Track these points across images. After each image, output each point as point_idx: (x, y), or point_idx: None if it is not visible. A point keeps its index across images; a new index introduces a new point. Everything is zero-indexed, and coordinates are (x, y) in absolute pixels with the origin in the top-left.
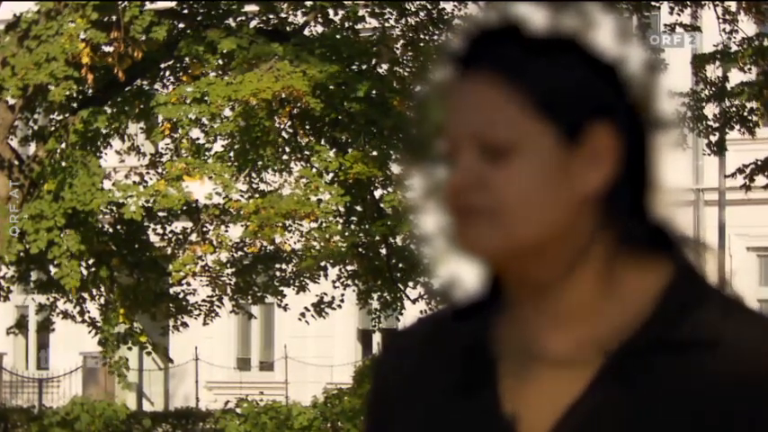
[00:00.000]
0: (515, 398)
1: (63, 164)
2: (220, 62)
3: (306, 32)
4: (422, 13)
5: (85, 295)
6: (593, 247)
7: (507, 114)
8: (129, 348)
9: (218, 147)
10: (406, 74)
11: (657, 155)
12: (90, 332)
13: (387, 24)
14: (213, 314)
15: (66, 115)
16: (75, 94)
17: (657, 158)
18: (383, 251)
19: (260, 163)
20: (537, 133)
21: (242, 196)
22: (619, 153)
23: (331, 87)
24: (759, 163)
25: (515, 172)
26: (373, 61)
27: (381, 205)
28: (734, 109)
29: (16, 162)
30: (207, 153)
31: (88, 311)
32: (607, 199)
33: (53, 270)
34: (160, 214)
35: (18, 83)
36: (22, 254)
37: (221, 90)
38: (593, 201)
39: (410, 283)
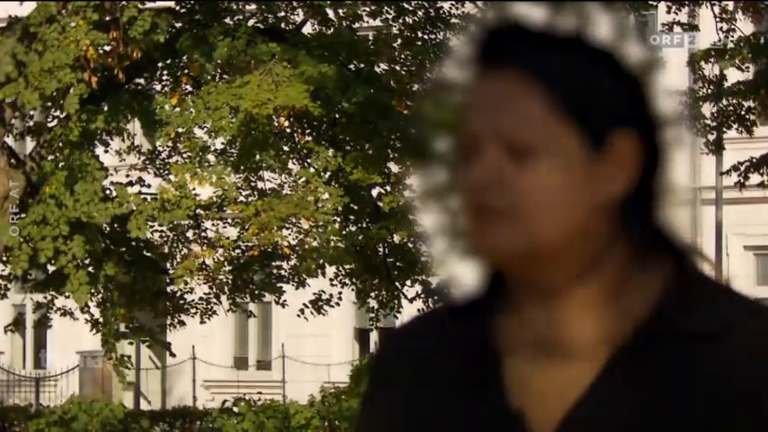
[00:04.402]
0: (522, 393)
1: (61, 164)
2: (218, 62)
3: (303, 31)
4: (420, 12)
5: None
6: (607, 251)
7: (535, 116)
8: (131, 343)
9: (218, 143)
10: (404, 73)
11: (670, 161)
12: (90, 330)
13: (385, 24)
14: (211, 312)
15: (64, 113)
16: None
17: (670, 164)
18: (381, 250)
19: (260, 163)
20: (563, 137)
21: (241, 194)
22: (640, 159)
23: (330, 88)
24: (754, 161)
25: (539, 174)
26: (371, 60)
27: (379, 204)
28: (731, 108)
29: (13, 160)
30: (208, 150)
31: (89, 308)
32: (623, 204)
33: (51, 269)
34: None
35: (35, 94)
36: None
37: (222, 98)
38: (611, 206)
39: (408, 282)
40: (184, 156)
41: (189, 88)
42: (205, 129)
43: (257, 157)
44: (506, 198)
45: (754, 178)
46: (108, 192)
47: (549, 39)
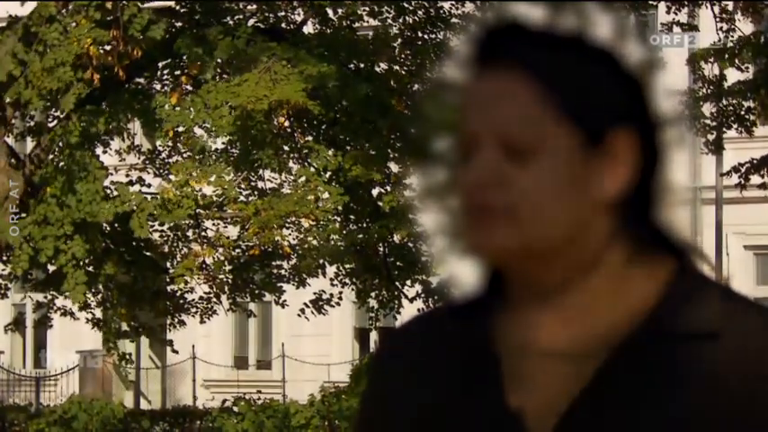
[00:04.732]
0: (520, 393)
1: (62, 164)
2: (219, 61)
3: (304, 31)
4: (420, 12)
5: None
6: (606, 250)
7: (533, 114)
8: (132, 341)
9: (218, 144)
10: (404, 73)
11: (668, 159)
12: (92, 329)
13: (385, 23)
14: (211, 312)
15: (63, 113)
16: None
17: (668, 162)
18: (381, 249)
19: (259, 162)
20: (561, 135)
21: (241, 194)
22: (637, 157)
23: (329, 87)
24: (754, 161)
25: (537, 173)
26: (371, 60)
27: (380, 204)
28: (731, 108)
29: (13, 160)
30: (209, 151)
31: (90, 306)
32: (622, 203)
33: (50, 268)
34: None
35: (35, 93)
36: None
37: (221, 96)
38: (609, 205)
39: (408, 282)
40: (185, 156)
41: (189, 88)
42: (205, 128)
43: (256, 155)
44: (504, 197)
45: (755, 179)
46: (109, 191)
47: (548, 38)
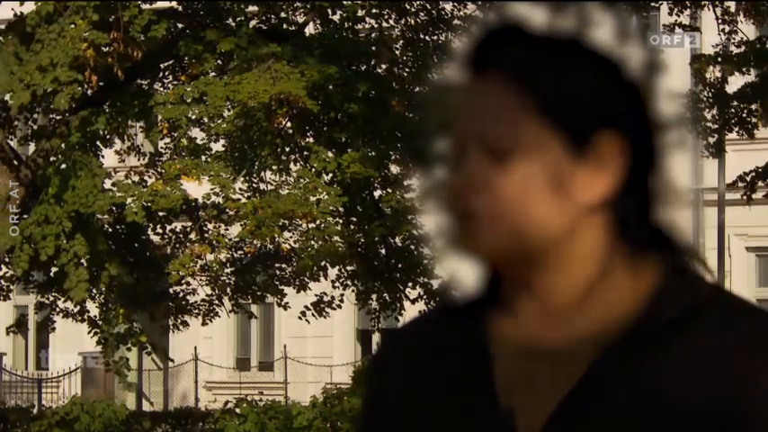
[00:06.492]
0: (512, 393)
1: (63, 165)
2: (219, 62)
3: (305, 32)
4: (421, 14)
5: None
6: (598, 251)
7: (513, 118)
8: (129, 349)
9: (217, 146)
10: (405, 74)
11: (662, 158)
12: (89, 332)
13: (386, 24)
14: (213, 314)
15: (66, 115)
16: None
17: (662, 162)
18: (382, 251)
19: (258, 163)
20: (543, 138)
21: (242, 195)
22: (625, 160)
23: (329, 88)
24: (759, 170)
25: (520, 176)
26: (372, 62)
27: (380, 205)
28: (732, 110)
29: (16, 162)
30: (207, 152)
31: (88, 311)
32: (612, 204)
33: (53, 270)
34: (160, 214)
35: (27, 92)
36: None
37: (219, 91)
38: (598, 207)
39: (409, 284)
40: (185, 157)
41: (189, 90)
42: (202, 128)
43: (254, 150)
44: (487, 202)
45: (760, 186)
46: (110, 192)
47: (538, 41)
